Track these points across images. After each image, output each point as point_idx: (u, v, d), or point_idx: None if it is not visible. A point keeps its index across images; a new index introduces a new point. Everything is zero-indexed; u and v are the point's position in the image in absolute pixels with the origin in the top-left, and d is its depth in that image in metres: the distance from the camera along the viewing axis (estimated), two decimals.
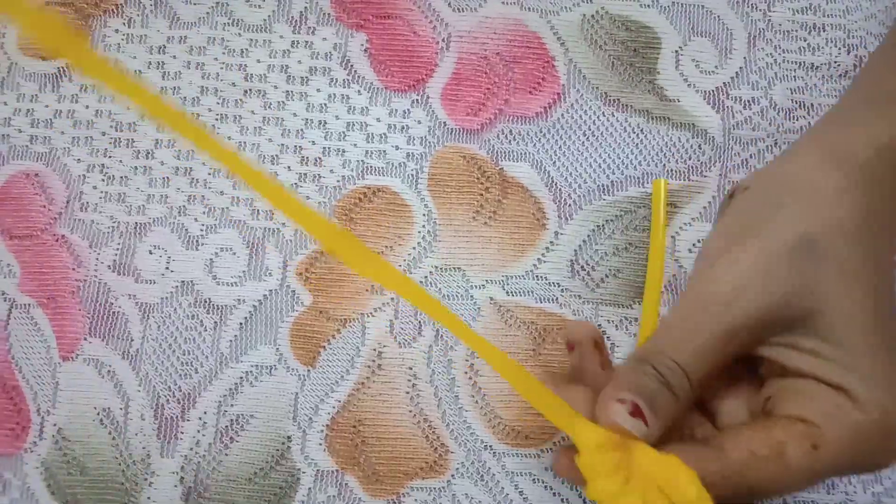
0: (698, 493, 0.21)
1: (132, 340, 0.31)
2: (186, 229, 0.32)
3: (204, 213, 0.33)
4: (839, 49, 0.34)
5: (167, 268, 0.32)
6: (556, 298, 0.32)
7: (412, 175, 0.33)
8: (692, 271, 0.26)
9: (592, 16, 0.34)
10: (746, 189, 0.25)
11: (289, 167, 0.33)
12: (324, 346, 0.31)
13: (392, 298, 0.32)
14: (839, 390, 0.22)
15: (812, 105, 0.34)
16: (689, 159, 0.33)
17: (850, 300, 0.23)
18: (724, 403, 0.25)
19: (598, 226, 0.32)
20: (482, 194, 0.33)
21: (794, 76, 0.34)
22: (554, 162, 0.33)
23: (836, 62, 0.34)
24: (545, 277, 0.32)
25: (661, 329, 0.24)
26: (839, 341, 0.23)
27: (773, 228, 0.23)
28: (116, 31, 0.34)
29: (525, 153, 0.33)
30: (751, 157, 0.33)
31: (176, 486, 0.30)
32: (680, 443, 0.23)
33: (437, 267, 0.32)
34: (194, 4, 0.35)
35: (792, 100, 0.34)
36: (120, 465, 0.30)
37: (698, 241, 0.32)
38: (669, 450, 0.22)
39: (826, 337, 0.23)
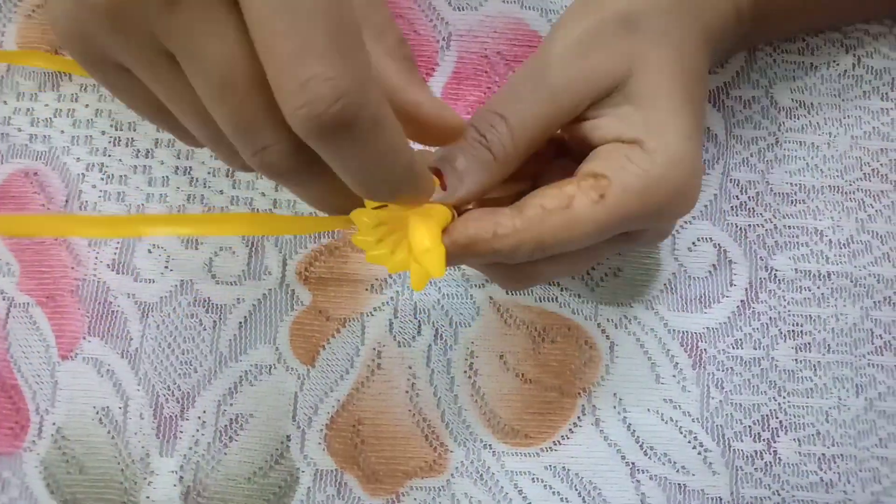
0: (432, 242, 0.22)
1: (131, 339, 0.31)
2: None
3: (203, 211, 0.33)
4: (838, 49, 0.34)
5: (166, 267, 0.32)
6: (556, 298, 0.32)
7: None
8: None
9: None
10: None
11: None
12: (323, 346, 0.31)
13: (391, 298, 0.32)
14: (633, 144, 0.24)
15: (812, 104, 0.34)
16: None
17: (657, 63, 0.25)
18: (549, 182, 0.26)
19: None
20: None
21: (794, 76, 0.34)
22: None
23: (835, 62, 0.34)
24: None
25: (500, 90, 0.26)
26: (645, 101, 0.25)
27: (602, 6, 0.26)
28: None
29: None
30: (751, 155, 0.33)
31: (175, 485, 0.30)
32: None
33: None
34: None
35: (792, 99, 0.34)
36: (119, 464, 0.30)
37: (698, 240, 0.32)
38: (473, 213, 0.24)
39: (634, 99, 0.25)
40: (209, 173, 0.33)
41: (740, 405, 0.31)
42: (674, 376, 0.31)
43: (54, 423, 0.31)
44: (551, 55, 0.25)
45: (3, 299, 0.32)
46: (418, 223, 0.23)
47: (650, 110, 0.25)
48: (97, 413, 0.31)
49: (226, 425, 0.31)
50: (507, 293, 0.32)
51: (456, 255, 0.24)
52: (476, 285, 0.32)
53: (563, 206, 0.23)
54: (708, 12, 0.27)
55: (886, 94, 0.34)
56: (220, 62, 0.17)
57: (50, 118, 0.33)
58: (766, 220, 0.33)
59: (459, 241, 0.23)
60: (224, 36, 0.17)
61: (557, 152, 0.28)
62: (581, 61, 0.25)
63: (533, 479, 0.31)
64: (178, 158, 0.33)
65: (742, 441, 0.31)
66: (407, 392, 0.31)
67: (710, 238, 0.32)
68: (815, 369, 0.32)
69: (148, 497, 0.30)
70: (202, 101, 0.18)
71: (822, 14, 0.33)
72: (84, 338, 0.31)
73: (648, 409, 0.31)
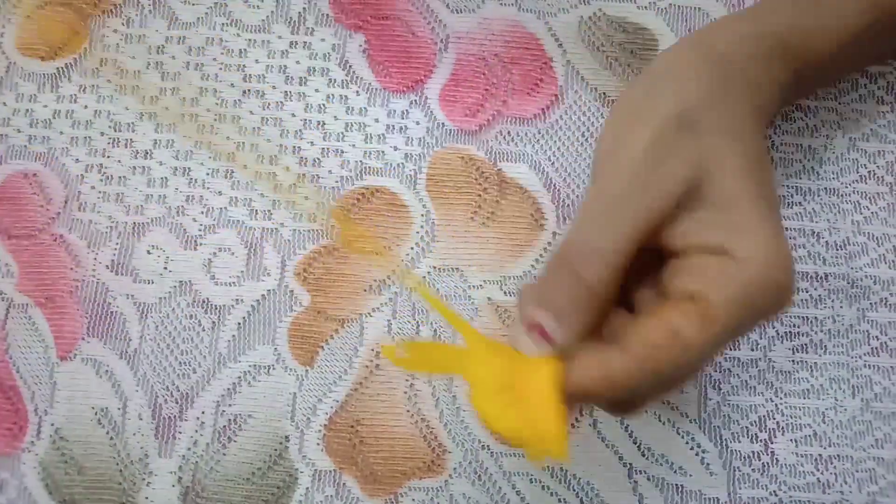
0: (558, 426, 0.21)
1: (130, 340, 0.31)
2: (185, 229, 0.32)
3: (202, 213, 0.33)
4: None
5: (165, 268, 0.32)
6: None
7: (410, 176, 0.33)
8: (591, 174, 0.27)
9: (590, 17, 0.34)
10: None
11: (287, 168, 0.33)
12: (322, 346, 0.31)
13: (390, 298, 0.32)
14: (721, 254, 0.23)
15: (808, 107, 0.34)
16: None
17: (729, 160, 0.24)
18: (639, 294, 0.25)
19: None
20: (480, 195, 0.33)
21: None
22: (552, 163, 0.33)
23: None
24: None
25: (574, 230, 0.24)
26: (725, 204, 0.23)
27: (654, 112, 0.24)
28: (115, 30, 0.34)
29: (523, 154, 0.33)
30: None
31: (174, 485, 0.30)
32: (592, 343, 0.23)
33: (435, 267, 0.32)
34: (193, 5, 0.35)
35: None
36: (118, 464, 0.30)
37: None
38: (579, 354, 0.23)
39: (711, 204, 0.23)
40: (208, 174, 0.33)
41: (737, 406, 0.31)
42: None
43: (53, 424, 0.31)
44: (615, 166, 0.24)
45: (2, 300, 0.32)
46: (538, 396, 0.22)
47: (732, 213, 0.23)
48: (96, 414, 0.31)
49: (224, 426, 0.31)
50: (506, 294, 0.32)
51: (572, 407, 0.23)
52: (475, 286, 0.32)
53: (671, 337, 0.22)
54: (757, 97, 0.26)
55: (882, 97, 0.34)
56: None
57: (49, 119, 0.33)
58: None
59: (576, 394, 0.22)
60: None
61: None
62: (652, 174, 0.23)
63: (531, 479, 0.31)
64: (177, 159, 0.33)
65: (739, 442, 0.31)
66: (405, 393, 0.31)
67: None
68: (812, 370, 0.32)
69: (147, 498, 0.30)
70: None
71: (856, 65, 0.32)
72: (83, 338, 0.31)
73: (646, 411, 0.31)
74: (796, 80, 0.27)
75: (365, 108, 0.34)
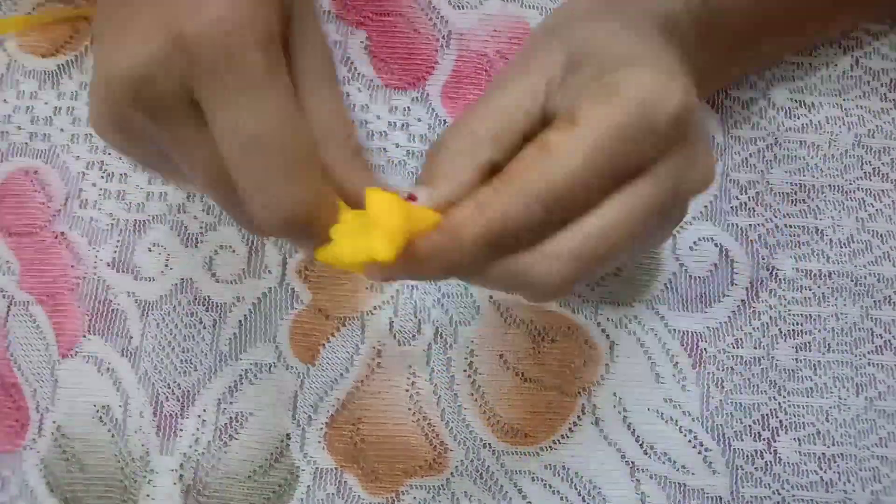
0: (399, 220, 0.20)
1: (131, 338, 0.31)
2: (186, 227, 0.32)
3: (203, 210, 0.33)
4: (836, 50, 0.34)
5: (166, 265, 0.32)
6: None
7: (412, 173, 0.33)
8: None
9: None
10: None
11: None
12: (323, 344, 0.31)
13: (391, 297, 0.32)
14: (599, 79, 0.22)
15: (812, 103, 0.34)
16: None
17: (598, 37, 0.24)
18: None
19: None
20: None
21: (794, 76, 0.34)
22: None
23: (833, 62, 0.34)
24: None
25: (463, 114, 0.24)
26: (595, 59, 0.23)
27: (532, 34, 0.27)
28: None
29: None
30: (750, 156, 0.33)
31: (175, 483, 0.30)
32: None
33: None
34: None
35: (791, 99, 0.34)
36: (119, 462, 0.30)
37: (699, 240, 0.32)
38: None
39: (584, 68, 0.23)
40: None
41: (740, 404, 0.31)
42: (674, 376, 0.31)
43: (54, 422, 0.31)
44: (496, 80, 0.25)
45: (3, 297, 0.32)
46: (374, 193, 0.20)
47: (602, 55, 0.23)
48: (97, 411, 0.31)
49: (226, 424, 0.31)
50: (509, 293, 0.32)
51: (448, 252, 0.21)
52: None
53: (541, 150, 0.21)
54: (656, 8, 0.26)
55: (885, 94, 0.34)
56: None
57: (50, 116, 0.33)
58: (766, 219, 0.33)
59: (445, 227, 0.21)
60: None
61: None
62: (519, 67, 0.24)
63: (533, 478, 0.31)
64: None
65: (742, 440, 0.31)
66: (407, 391, 0.31)
67: (712, 238, 0.32)
68: (816, 368, 0.32)
69: (148, 495, 0.30)
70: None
71: (788, 29, 0.31)
72: (84, 336, 0.31)
73: (648, 409, 0.31)
74: (711, 15, 0.26)
75: (367, 104, 0.33)
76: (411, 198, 0.22)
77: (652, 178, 0.22)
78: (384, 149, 0.33)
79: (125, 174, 0.33)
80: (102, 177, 0.33)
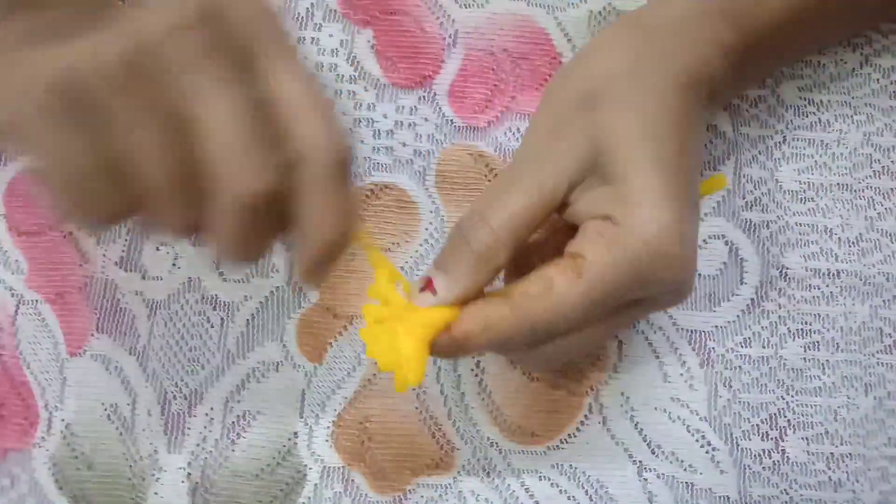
0: (414, 351, 0.24)
1: (139, 337, 0.32)
2: None
3: None
4: (845, 48, 0.34)
5: (174, 265, 0.32)
6: None
7: (419, 172, 0.33)
8: None
9: (600, 12, 0.34)
10: None
11: None
12: (330, 343, 0.31)
13: None
14: (605, 220, 0.24)
15: (822, 101, 0.33)
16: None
17: (623, 133, 0.25)
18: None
19: None
20: None
21: (802, 74, 0.34)
22: None
23: (843, 60, 0.34)
24: None
25: (474, 202, 0.26)
26: (615, 176, 0.25)
27: (561, 93, 0.27)
28: None
29: None
30: (760, 153, 0.33)
31: (183, 481, 0.30)
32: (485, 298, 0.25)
33: None
34: None
35: (800, 97, 0.34)
36: (127, 460, 0.31)
37: (710, 237, 0.32)
38: (469, 308, 0.25)
39: (606, 177, 0.25)
40: None
41: (748, 404, 0.31)
42: (681, 375, 0.31)
43: (63, 420, 0.31)
44: (522, 149, 0.26)
45: (13, 296, 0.32)
46: (406, 330, 0.24)
47: (620, 184, 0.24)
48: (105, 410, 0.31)
49: (233, 422, 0.31)
50: None
51: (455, 351, 0.25)
52: None
53: (545, 289, 0.24)
54: (683, 58, 0.26)
55: (894, 93, 0.34)
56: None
57: None
58: (777, 217, 0.33)
59: (457, 337, 0.24)
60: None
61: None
62: (546, 151, 0.26)
63: (540, 477, 0.31)
64: None
65: (750, 440, 0.31)
66: (413, 390, 0.31)
67: (723, 235, 0.32)
68: (824, 368, 0.31)
69: (156, 493, 0.30)
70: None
71: (809, 37, 0.32)
72: (92, 335, 0.32)
73: (656, 408, 0.31)
74: (743, 40, 0.28)
75: (373, 103, 0.33)
76: (429, 283, 0.25)
77: (636, 309, 0.26)
78: (391, 148, 0.33)
79: None
80: None
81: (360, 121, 0.33)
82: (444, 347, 0.24)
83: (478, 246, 0.25)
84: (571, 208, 0.26)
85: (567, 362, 0.31)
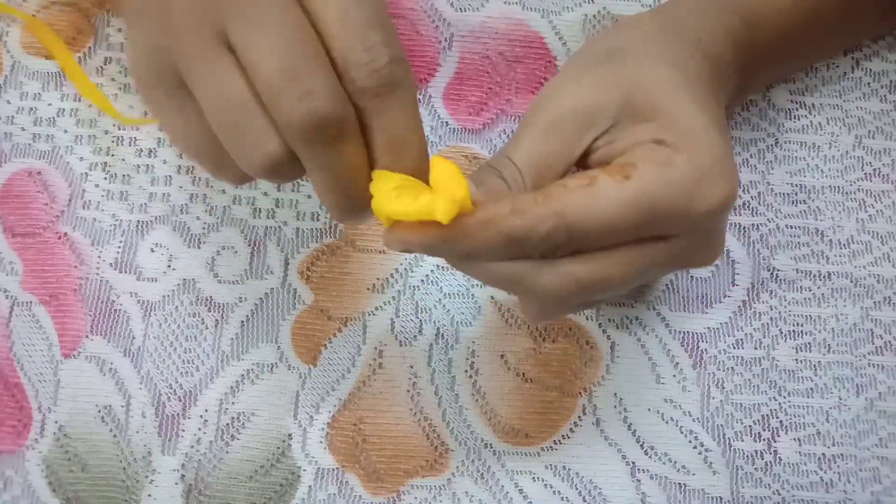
0: (464, 192, 0.21)
1: (134, 338, 0.32)
2: (188, 227, 0.33)
3: (205, 211, 0.33)
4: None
5: (169, 266, 0.32)
6: None
7: None
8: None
9: (594, 16, 0.34)
10: None
11: None
12: (325, 345, 0.32)
13: (393, 297, 0.32)
14: (657, 143, 0.24)
15: (813, 105, 0.34)
16: None
17: (656, 81, 0.25)
18: None
19: None
20: None
21: (794, 78, 0.34)
22: None
23: (834, 64, 0.34)
24: None
25: (506, 144, 0.26)
26: (653, 113, 0.25)
27: (588, 49, 0.27)
28: (119, 30, 0.34)
29: None
30: (751, 156, 0.33)
31: (177, 483, 0.30)
32: None
33: (438, 266, 0.32)
34: None
35: (791, 100, 0.34)
36: (121, 462, 0.31)
37: None
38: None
39: (642, 117, 0.25)
40: None
41: (741, 405, 0.31)
42: (674, 376, 0.31)
43: (57, 422, 0.31)
44: (542, 98, 0.26)
45: (7, 298, 0.32)
46: (442, 161, 0.22)
47: (665, 118, 0.24)
48: (99, 411, 0.31)
49: (227, 424, 0.31)
50: (507, 294, 0.32)
51: (475, 236, 0.22)
52: (478, 285, 0.32)
53: (586, 184, 0.23)
54: (706, 40, 0.27)
55: (885, 96, 0.34)
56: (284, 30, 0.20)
57: (53, 117, 0.33)
58: (768, 219, 0.33)
59: (479, 216, 0.22)
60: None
61: None
62: (569, 98, 0.25)
63: (533, 478, 0.31)
64: (181, 158, 0.33)
65: (742, 441, 0.31)
66: (408, 391, 0.31)
67: None
68: (816, 369, 0.32)
69: (150, 495, 0.30)
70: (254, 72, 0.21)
71: (810, 46, 0.32)
72: (87, 336, 0.32)
73: (649, 409, 0.31)
74: (750, 38, 0.28)
75: None
76: None
77: (666, 247, 0.24)
78: None
79: (128, 175, 0.33)
80: (105, 178, 0.33)
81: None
82: (464, 230, 0.22)
83: (511, 183, 0.24)
84: (604, 148, 0.25)
85: (579, 306, 0.28)
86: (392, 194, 0.22)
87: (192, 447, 0.31)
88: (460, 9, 0.34)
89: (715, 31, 0.28)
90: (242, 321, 0.32)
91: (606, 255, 0.24)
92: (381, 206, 0.22)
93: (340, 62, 0.21)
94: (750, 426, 0.31)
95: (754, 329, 0.32)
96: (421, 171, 0.22)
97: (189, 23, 0.21)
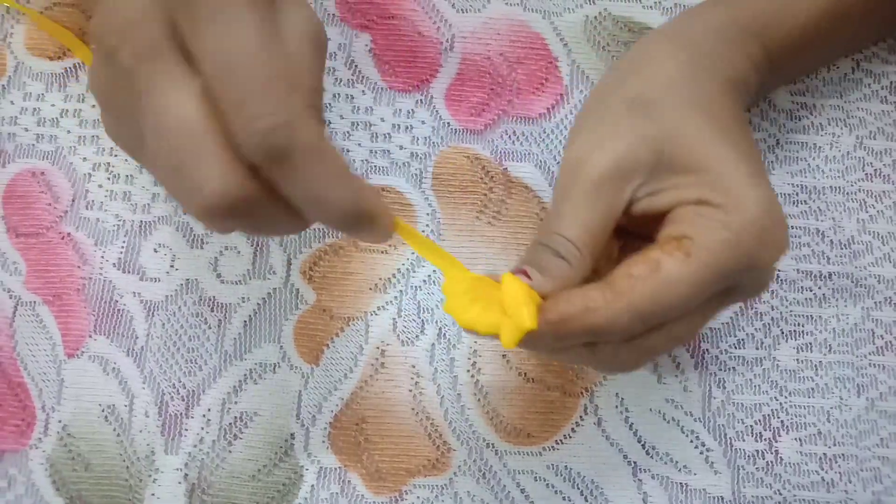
0: (527, 296, 0.22)
1: (137, 338, 0.32)
2: (191, 228, 0.33)
3: None
4: None
5: (172, 266, 0.32)
6: None
7: (416, 175, 0.33)
8: (562, 159, 0.28)
9: (595, 17, 0.34)
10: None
11: None
12: (327, 345, 0.32)
13: (395, 297, 0.32)
14: (705, 204, 0.24)
15: (814, 105, 0.34)
16: None
17: (691, 129, 0.25)
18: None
19: None
20: (486, 194, 0.33)
21: (794, 79, 0.34)
22: (558, 162, 0.33)
23: (835, 65, 0.34)
24: None
25: (548, 212, 0.26)
26: (695, 165, 0.25)
27: (614, 98, 0.27)
28: None
29: (529, 153, 0.33)
30: None
31: (180, 482, 0.30)
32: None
33: None
34: None
35: (792, 101, 0.34)
36: (124, 461, 0.31)
37: None
38: (562, 293, 0.24)
39: (682, 169, 0.25)
40: None
41: (742, 405, 0.31)
42: (676, 376, 0.32)
43: (60, 421, 0.31)
44: (575, 161, 0.26)
45: (10, 298, 0.32)
46: (512, 280, 0.23)
47: (705, 173, 0.24)
48: (103, 411, 0.31)
49: (230, 423, 0.31)
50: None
51: (548, 334, 0.23)
52: None
53: (652, 270, 0.23)
54: (726, 70, 0.27)
55: (886, 97, 0.34)
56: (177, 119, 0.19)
57: (56, 118, 0.34)
58: None
59: (551, 318, 0.23)
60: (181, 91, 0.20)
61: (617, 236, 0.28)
62: (603, 159, 0.25)
63: (535, 477, 0.31)
64: None
65: (744, 440, 0.31)
66: (410, 391, 0.31)
67: None
68: (817, 369, 0.32)
69: (153, 494, 0.30)
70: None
71: (828, 49, 0.33)
72: (90, 336, 0.32)
73: (650, 409, 0.31)
74: (768, 57, 0.29)
75: (371, 107, 0.34)
76: (524, 273, 0.24)
77: (731, 298, 0.25)
78: (388, 151, 0.33)
79: (131, 176, 0.33)
80: (108, 178, 0.33)
81: (357, 124, 0.34)
82: (541, 333, 0.23)
83: (569, 258, 0.24)
84: (644, 201, 0.25)
85: (645, 360, 0.28)
86: (464, 300, 0.23)
87: (195, 446, 0.31)
88: (462, 10, 0.34)
89: (737, 59, 0.28)
90: (245, 321, 0.32)
91: (681, 321, 0.24)
92: (453, 312, 0.23)
93: (230, 135, 0.19)
94: (751, 426, 0.31)
95: (755, 329, 0.32)
96: (354, 215, 0.20)
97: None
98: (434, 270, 0.32)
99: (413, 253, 0.32)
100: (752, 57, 0.28)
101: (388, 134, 0.33)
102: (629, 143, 0.25)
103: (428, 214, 0.33)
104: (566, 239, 0.25)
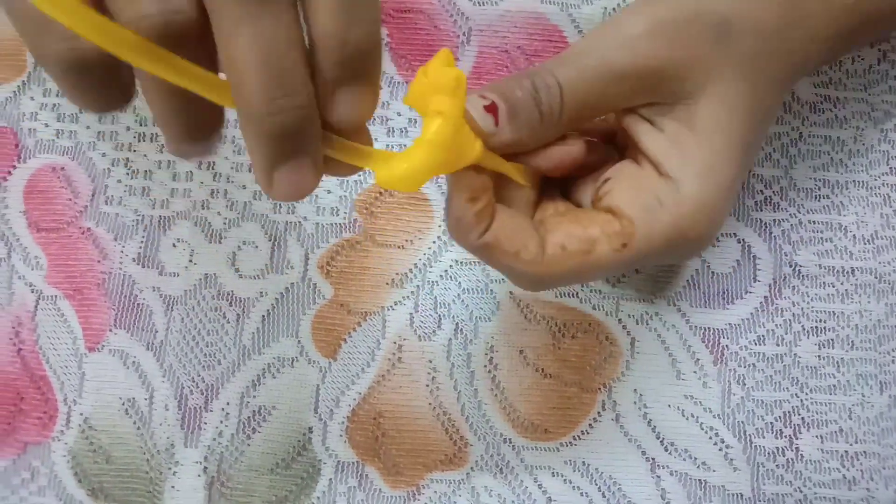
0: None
1: (156, 332, 0.32)
2: (209, 223, 0.33)
3: (226, 206, 0.33)
4: None
5: (190, 261, 0.32)
6: (576, 293, 0.32)
7: None
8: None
9: (613, 9, 0.34)
10: None
11: None
12: (345, 339, 0.32)
13: (412, 292, 0.32)
14: (669, 180, 0.23)
15: (838, 98, 0.33)
16: None
17: (731, 92, 0.23)
18: (582, 184, 0.26)
19: None
20: None
21: (818, 70, 0.33)
22: None
23: (860, 56, 0.34)
24: None
25: (566, 51, 0.25)
26: (701, 132, 0.23)
27: (700, 4, 0.23)
28: None
29: None
30: (774, 150, 0.33)
31: (199, 475, 0.31)
32: (523, 220, 0.24)
33: (456, 261, 0.32)
34: None
35: (815, 94, 0.33)
36: (144, 454, 0.31)
37: (723, 236, 0.32)
38: (512, 222, 0.24)
39: (692, 124, 0.23)
40: (232, 168, 0.33)
41: (762, 401, 0.31)
42: (695, 372, 0.31)
43: (82, 414, 0.31)
44: (625, 28, 0.23)
45: (32, 292, 0.32)
46: (444, 113, 0.21)
47: (701, 147, 0.24)
48: (123, 404, 0.31)
49: (249, 417, 0.31)
50: None
51: (479, 250, 0.24)
52: (496, 280, 0.32)
53: (584, 250, 0.24)
54: (799, 53, 0.25)
55: None
56: None
57: (76, 114, 0.34)
58: (790, 214, 0.32)
59: (487, 239, 0.24)
60: None
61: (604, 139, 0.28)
62: (653, 45, 0.23)
63: (553, 473, 0.31)
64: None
65: (764, 437, 0.31)
66: (427, 386, 0.31)
67: (735, 234, 0.32)
68: (839, 366, 0.31)
69: (173, 487, 0.31)
70: None
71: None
72: (110, 330, 0.32)
73: (669, 405, 0.31)
74: (845, 42, 0.26)
75: (387, 101, 0.34)
76: (493, 108, 0.23)
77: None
78: (405, 146, 0.33)
79: (150, 171, 0.33)
80: (127, 173, 0.33)
81: (373, 119, 0.33)
82: (466, 224, 0.23)
83: (545, 108, 0.23)
84: (642, 125, 0.24)
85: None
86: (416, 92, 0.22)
87: (214, 440, 0.31)
88: (478, 3, 0.34)
89: (828, 20, 0.25)
90: (263, 315, 0.32)
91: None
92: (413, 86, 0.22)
93: None
94: (771, 423, 0.31)
95: (776, 325, 0.32)
96: (367, 52, 0.19)
97: None
98: (451, 266, 0.32)
99: (429, 248, 0.32)
100: (838, 25, 0.25)
101: (405, 128, 0.33)
102: (687, 53, 0.23)
103: (445, 209, 0.33)
104: (560, 89, 0.23)
